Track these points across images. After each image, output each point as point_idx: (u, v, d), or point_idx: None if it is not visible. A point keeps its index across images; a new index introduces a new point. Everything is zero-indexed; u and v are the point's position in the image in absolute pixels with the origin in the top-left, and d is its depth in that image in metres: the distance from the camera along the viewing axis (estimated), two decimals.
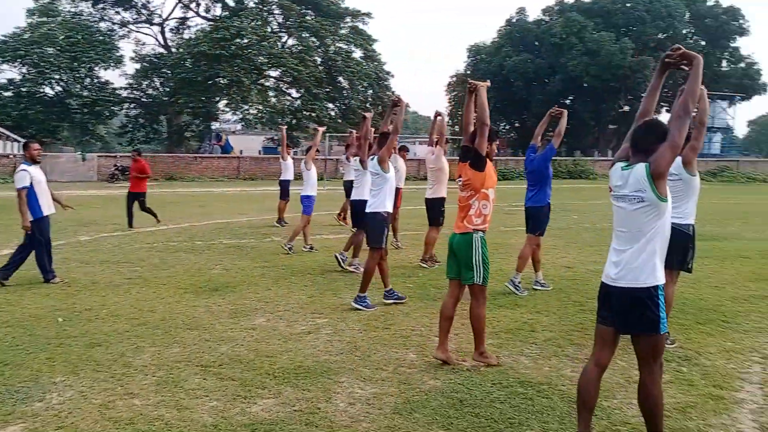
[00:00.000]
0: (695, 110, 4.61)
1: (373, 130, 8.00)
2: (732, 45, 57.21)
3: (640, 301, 3.31)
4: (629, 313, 3.35)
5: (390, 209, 6.93)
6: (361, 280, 6.76)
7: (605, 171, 40.93)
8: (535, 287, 7.58)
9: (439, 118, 9.41)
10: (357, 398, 4.33)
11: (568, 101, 53.30)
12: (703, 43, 55.53)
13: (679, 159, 4.85)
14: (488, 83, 5.15)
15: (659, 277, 3.35)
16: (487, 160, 4.95)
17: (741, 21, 54.38)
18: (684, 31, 54.40)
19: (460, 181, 5.03)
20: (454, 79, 57.86)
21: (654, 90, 3.63)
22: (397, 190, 8.95)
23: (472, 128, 5.05)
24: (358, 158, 8.33)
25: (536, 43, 54.02)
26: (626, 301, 3.35)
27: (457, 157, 9.21)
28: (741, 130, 76.85)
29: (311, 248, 10.34)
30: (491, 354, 5.06)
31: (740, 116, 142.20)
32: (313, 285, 7.77)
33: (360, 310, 6.54)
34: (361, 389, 4.49)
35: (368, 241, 6.92)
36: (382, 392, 4.42)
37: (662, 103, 59.10)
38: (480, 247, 4.89)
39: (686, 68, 3.47)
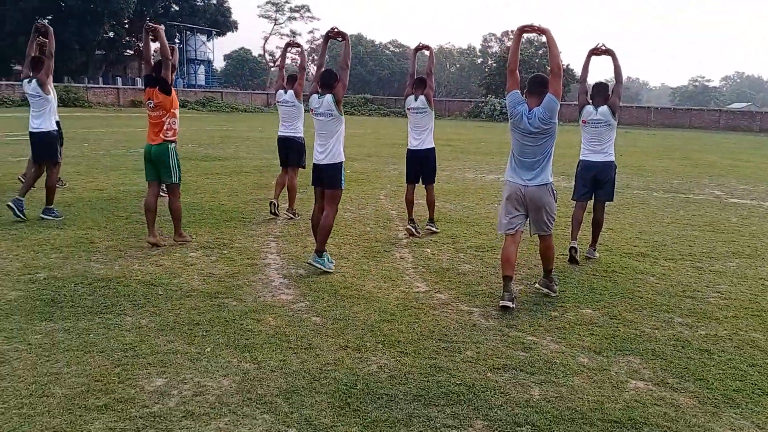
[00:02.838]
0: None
1: None
2: None
3: (335, 171, 5.76)
4: (328, 178, 5.76)
5: None
6: None
7: (99, 99, 39.80)
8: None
9: None
10: None
11: (47, 21, 48.90)
12: None
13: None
14: (163, 27, 6.33)
15: (343, 156, 5.83)
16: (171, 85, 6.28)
17: None
18: None
19: (151, 103, 6.21)
20: None
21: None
22: None
23: (153, 61, 6.30)
24: None
25: None
26: (328, 171, 5.75)
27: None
28: (219, 64, 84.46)
29: None
30: (187, 235, 6.67)
31: (218, 51, 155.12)
32: None
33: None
34: None
35: None
36: None
37: None
38: (174, 154, 6.34)
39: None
